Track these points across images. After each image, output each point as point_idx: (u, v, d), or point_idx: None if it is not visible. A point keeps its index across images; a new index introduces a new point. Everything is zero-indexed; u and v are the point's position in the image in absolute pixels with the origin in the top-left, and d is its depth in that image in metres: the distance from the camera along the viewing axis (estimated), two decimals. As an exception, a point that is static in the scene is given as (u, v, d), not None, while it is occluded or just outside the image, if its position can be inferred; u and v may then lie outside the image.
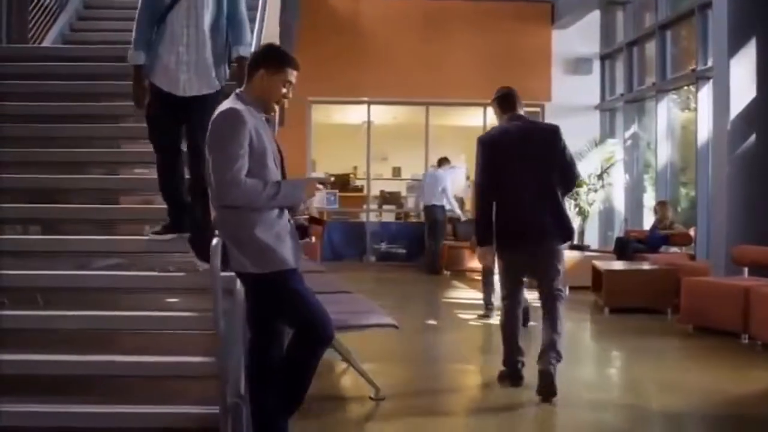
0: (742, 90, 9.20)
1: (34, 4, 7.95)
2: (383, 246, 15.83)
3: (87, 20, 8.70)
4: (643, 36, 13.58)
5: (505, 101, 5.81)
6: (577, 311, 10.07)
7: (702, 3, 10.82)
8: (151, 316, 4.56)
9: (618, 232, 14.14)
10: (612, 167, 13.95)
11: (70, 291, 5.09)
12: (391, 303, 10.19)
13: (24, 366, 4.31)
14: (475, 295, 8.69)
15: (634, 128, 14.27)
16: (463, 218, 14.10)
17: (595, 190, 13.85)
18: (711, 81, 10.43)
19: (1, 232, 5.81)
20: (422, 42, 15.02)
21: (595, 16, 15.07)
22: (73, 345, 4.61)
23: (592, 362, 7.31)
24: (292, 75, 3.75)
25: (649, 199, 13.36)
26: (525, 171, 5.52)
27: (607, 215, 15.01)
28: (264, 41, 5.41)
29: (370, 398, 5.22)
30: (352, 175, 17.53)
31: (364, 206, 16.20)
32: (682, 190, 13.00)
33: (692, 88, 11.75)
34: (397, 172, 18.04)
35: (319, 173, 16.39)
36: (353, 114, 16.72)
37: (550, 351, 5.32)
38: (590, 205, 13.79)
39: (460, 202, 14.80)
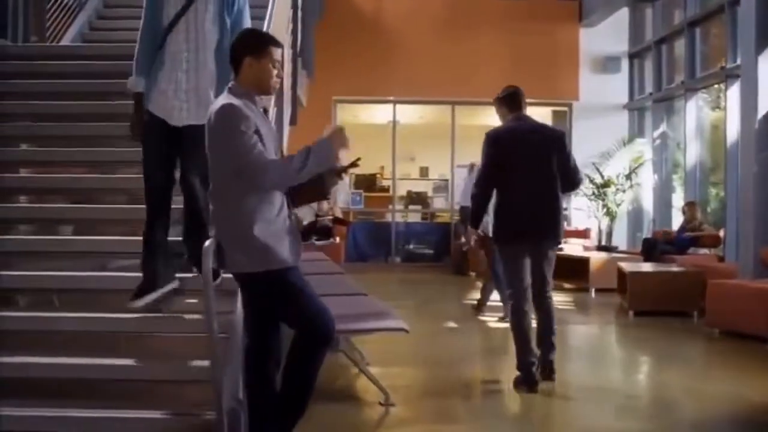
0: (771, 88, 9.00)
1: (53, 2, 7.96)
2: (409, 247, 15.74)
3: (107, 19, 8.72)
4: (671, 33, 13.36)
5: (513, 100, 5.84)
6: (600, 314, 9.94)
7: (731, -1, 10.61)
8: (152, 317, 4.47)
9: (646, 233, 13.93)
10: (640, 167, 13.77)
11: (89, 293, 5.03)
12: (412, 305, 10.16)
13: (19, 369, 4.27)
14: (497, 297, 8.57)
15: (663, 127, 14.05)
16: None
17: (624, 191, 13.68)
18: (740, 79, 10.21)
19: (18, 232, 5.83)
20: (448, 40, 14.89)
21: (623, 13, 14.85)
22: (72, 347, 4.55)
23: (613, 368, 7.14)
24: (277, 53, 3.65)
25: (678, 200, 13.13)
26: (527, 170, 5.61)
27: (635, 216, 14.80)
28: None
29: (380, 404, 5.12)
30: (378, 175, 17.47)
31: (390, 206, 16.09)
32: (712, 191, 12.76)
33: (722, 87, 11.52)
34: (424, 172, 17.95)
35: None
36: (380, 113, 16.63)
37: (546, 342, 5.63)
38: (618, 205, 13.61)
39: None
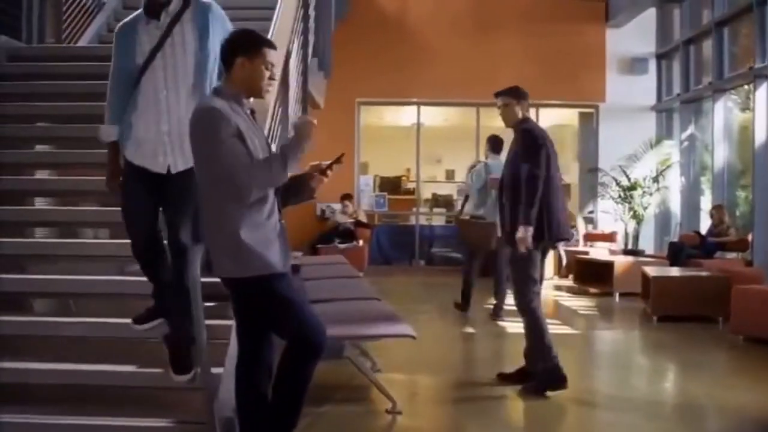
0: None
1: (70, 3, 7.96)
2: (433, 250, 15.63)
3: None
4: (699, 34, 13.12)
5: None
6: (623, 320, 9.77)
7: (760, -3, 10.40)
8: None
9: (673, 236, 13.71)
10: (668, 170, 13.55)
11: (107, 297, 5.01)
12: (432, 308, 10.07)
13: (19, 375, 4.24)
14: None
15: (690, 129, 13.82)
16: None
17: (651, 194, 13.48)
18: (768, 79, 10.01)
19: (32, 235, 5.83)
20: (473, 42, 14.74)
21: (650, 13, 14.61)
22: (71, 352, 4.52)
23: (632, 375, 6.94)
24: (271, 55, 3.52)
25: (707, 203, 12.90)
26: (556, 170, 5.70)
27: (663, 219, 14.58)
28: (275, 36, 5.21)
29: (386, 411, 5.01)
30: (404, 178, 17.40)
31: (414, 209, 15.99)
32: (741, 194, 12.51)
33: (750, 87, 11.30)
34: (450, 174, 17.84)
35: (369, 176, 16.33)
36: (406, 115, 16.54)
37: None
38: (645, 208, 13.41)
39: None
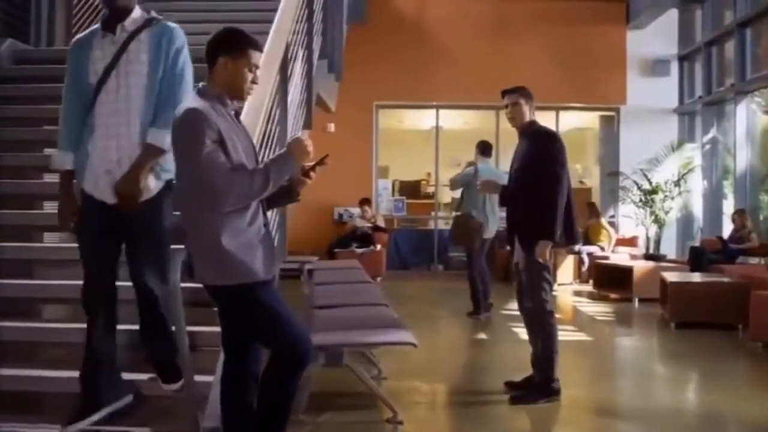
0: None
1: (81, 4, 7.93)
2: (452, 254, 15.49)
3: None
4: (721, 35, 12.91)
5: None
6: (641, 326, 9.61)
7: (783, -2, 10.20)
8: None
9: (695, 241, 13.48)
10: (690, 173, 13.33)
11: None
12: (446, 314, 9.98)
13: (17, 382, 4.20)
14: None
15: (713, 132, 13.59)
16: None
17: (672, 198, 13.25)
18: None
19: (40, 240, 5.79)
20: (491, 44, 14.64)
21: (672, 15, 14.42)
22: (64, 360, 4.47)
23: (645, 385, 6.77)
24: (256, 57, 3.37)
25: (729, 207, 12.68)
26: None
27: (685, 223, 14.36)
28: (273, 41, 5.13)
29: (386, 421, 4.89)
30: (424, 182, 17.28)
31: (433, 213, 15.86)
32: (764, 198, 12.28)
33: (773, 89, 11.10)
34: (471, 178, 17.65)
35: (387, 180, 16.24)
36: (425, 119, 16.44)
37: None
38: (667, 213, 13.19)
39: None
